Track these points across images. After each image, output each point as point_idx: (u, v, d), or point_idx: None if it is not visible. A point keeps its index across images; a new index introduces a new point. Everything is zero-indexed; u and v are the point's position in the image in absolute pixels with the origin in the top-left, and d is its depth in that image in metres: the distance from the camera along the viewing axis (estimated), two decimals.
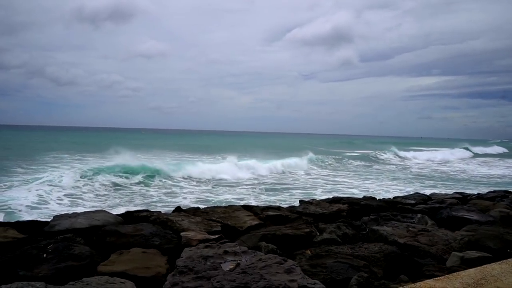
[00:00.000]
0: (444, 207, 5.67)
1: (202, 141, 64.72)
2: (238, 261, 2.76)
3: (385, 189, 15.74)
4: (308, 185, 16.42)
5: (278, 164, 21.81)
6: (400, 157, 36.80)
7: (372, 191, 14.48)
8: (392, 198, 7.23)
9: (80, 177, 14.42)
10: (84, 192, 12.93)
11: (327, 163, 27.29)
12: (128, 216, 4.45)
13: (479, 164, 33.06)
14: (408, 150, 43.18)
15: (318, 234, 4.05)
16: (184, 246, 3.28)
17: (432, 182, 18.97)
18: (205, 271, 2.58)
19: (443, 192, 9.08)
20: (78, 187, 13.46)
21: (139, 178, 15.66)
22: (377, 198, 6.91)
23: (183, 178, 16.53)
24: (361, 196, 7.37)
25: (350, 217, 5.09)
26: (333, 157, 30.31)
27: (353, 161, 29.95)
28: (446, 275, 2.53)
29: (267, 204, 8.28)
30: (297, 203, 6.40)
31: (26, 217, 8.64)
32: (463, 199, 6.92)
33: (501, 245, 3.75)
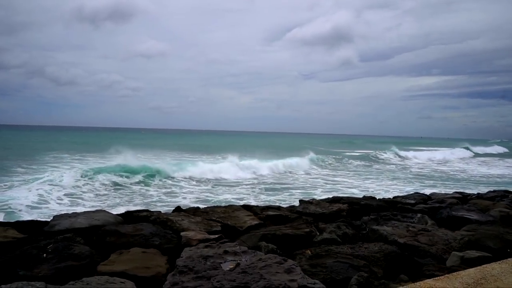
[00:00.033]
0: (444, 206, 5.67)
1: (201, 141, 64.72)
2: (238, 261, 2.76)
3: (385, 188, 15.74)
4: (308, 185, 16.42)
5: (278, 164, 21.78)
6: (400, 157, 36.78)
7: (372, 191, 14.48)
8: (392, 198, 7.23)
9: (80, 177, 14.42)
10: (84, 192, 12.93)
11: (327, 162, 27.29)
12: (128, 216, 4.45)
13: (478, 164, 33.07)
14: (408, 150, 43.19)
15: (318, 234, 4.05)
16: (184, 246, 3.28)
17: (432, 181, 18.98)
18: (205, 271, 2.58)
19: (443, 192, 9.08)
20: (78, 186, 13.47)
21: (139, 178, 15.67)
22: (377, 198, 6.90)
23: (183, 178, 16.54)
24: (361, 196, 7.37)
25: (350, 217, 5.08)
26: (333, 156, 30.32)
27: (353, 161, 29.96)
28: (446, 275, 2.53)
29: (267, 204, 8.28)
30: (297, 203, 6.40)
31: (26, 217, 8.64)
32: (463, 198, 6.92)
33: (501, 245, 3.75)
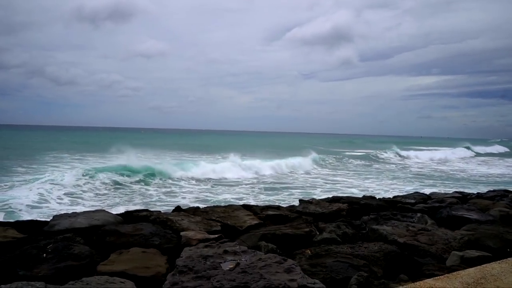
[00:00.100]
0: (444, 206, 5.67)
1: (201, 141, 64.71)
2: (238, 261, 2.75)
3: (385, 188, 15.74)
4: (308, 185, 16.42)
5: (280, 163, 21.72)
6: (401, 156, 36.73)
7: (372, 191, 14.48)
8: (392, 197, 7.23)
9: (81, 177, 14.42)
10: (84, 191, 12.93)
11: (327, 162, 27.29)
12: (128, 216, 4.45)
13: (478, 164, 33.07)
14: (408, 150, 43.18)
15: (318, 233, 4.05)
16: (184, 246, 3.28)
17: (431, 181, 18.98)
18: (205, 270, 2.58)
19: (442, 192, 9.08)
20: (78, 185, 13.48)
21: (138, 177, 15.66)
22: (377, 198, 6.91)
23: (183, 177, 16.53)
24: (360, 196, 7.37)
25: (350, 216, 5.09)
26: (333, 156, 30.31)
27: (353, 160, 29.96)
28: (446, 275, 2.53)
29: (267, 203, 8.28)
30: (296, 203, 6.40)
31: (26, 216, 8.64)
32: (463, 198, 6.92)
33: (501, 244, 3.75)
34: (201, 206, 5.50)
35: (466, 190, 9.95)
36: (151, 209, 5.27)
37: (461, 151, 45.87)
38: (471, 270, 2.62)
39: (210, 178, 16.91)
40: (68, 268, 2.78)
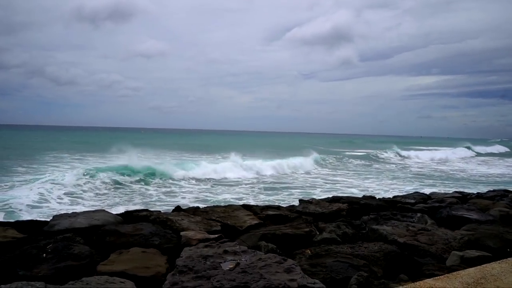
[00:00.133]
0: (443, 206, 5.67)
1: (201, 141, 64.70)
2: (238, 261, 2.75)
3: (385, 188, 15.74)
4: (307, 185, 16.42)
5: (281, 163, 21.68)
6: (403, 156, 36.68)
7: (372, 191, 14.48)
8: (391, 197, 7.23)
9: (81, 177, 14.42)
10: (84, 191, 12.94)
11: (327, 161, 27.29)
12: (128, 216, 4.45)
13: (478, 163, 33.07)
14: (408, 150, 43.15)
15: (317, 233, 4.05)
16: (183, 246, 3.28)
17: (431, 181, 18.98)
18: (205, 270, 2.58)
19: (442, 191, 9.08)
20: (79, 185, 13.49)
21: (138, 177, 15.67)
22: (377, 198, 6.91)
23: (182, 177, 16.53)
24: (360, 196, 7.37)
25: (350, 216, 5.09)
26: (334, 156, 30.31)
27: (353, 160, 29.97)
28: (446, 274, 2.53)
29: (266, 203, 8.28)
30: (296, 203, 6.40)
31: (26, 216, 8.65)
32: (462, 198, 6.92)
33: (501, 244, 3.75)
34: (201, 206, 5.50)
35: (466, 190, 9.94)
36: (151, 209, 5.27)
37: (461, 151, 45.81)
38: (471, 270, 2.62)
39: (210, 178, 16.91)
40: (68, 268, 2.77)
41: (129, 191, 13.66)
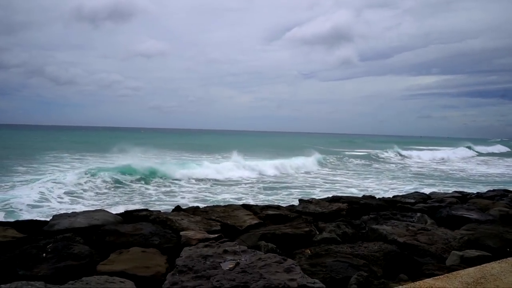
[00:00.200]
0: (443, 206, 5.67)
1: (201, 140, 64.69)
2: (238, 260, 2.75)
3: (384, 188, 15.73)
4: (307, 184, 16.42)
5: (281, 163, 21.62)
6: (404, 156, 36.59)
7: (371, 190, 14.48)
8: (391, 197, 7.24)
9: (82, 176, 14.44)
10: (85, 190, 12.95)
11: (328, 161, 27.29)
12: (128, 216, 4.45)
13: (477, 163, 33.06)
14: (408, 149, 43.11)
15: (317, 233, 4.05)
16: (183, 246, 3.28)
17: (431, 181, 18.98)
18: (205, 270, 2.58)
19: (442, 191, 9.08)
20: (79, 184, 13.50)
21: (138, 177, 15.66)
22: (377, 197, 6.91)
23: (182, 177, 16.52)
24: (360, 195, 7.37)
25: (349, 216, 5.09)
26: (334, 156, 30.30)
27: (353, 160, 29.97)
28: (446, 274, 2.53)
29: (266, 203, 8.27)
30: (295, 202, 6.40)
31: (26, 216, 8.65)
32: (462, 198, 6.92)
33: (500, 244, 3.75)
34: (201, 205, 5.50)
35: (466, 190, 9.94)
36: (151, 209, 5.27)
37: (462, 151, 45.73)
38: (471, 269, 2.62)
39: (210, 178, 16.90)
40: (67, 267, 2.77)
41: (128, 191, 13.67)
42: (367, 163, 29.10)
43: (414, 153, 39.18)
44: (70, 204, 11.01)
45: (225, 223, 4.27)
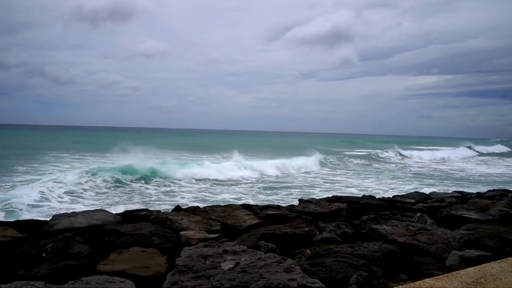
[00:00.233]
0: (443, 206, 5.68)
1: (201, 140, 64.67)
2: (238, 260, 2.75)
3: (384, 188, 15.73)
4: (307, 184, 16.42)
5: (282, 163, 21.59)
6: (403, 156, 36.56)
7: (371, 190, 14.47)
8: (391, 197, 7.24)
9: (81, 176, 14.45)
10: (85, 190, 12.96)
11: (328, 160, 27.29)
12: (128, 215, 4.45)
13: (477, 163, 33.05)
14: (408, 149, 43.06)
15: (317, 233, 4.05)
16: (183, 245, 3.28)
17: (431, 180, 18.98)
18: (205, 270, 2.58)
19: (442, 191, 9.08)
20: (80, 183, 13.52)
21: (138, 176, 15.66)
22: (377, 197, 6.91)
23: (182, 177, 16.52)
24: (360, 195, 7.37)
25: (349, 216, 5.09)
26: (334, 156, 30.29)
27: (353, 159, 29.97)
28: (446, 274, 2.53)
29: (265, 203, 8.28)
30: (295, 202, 6.40)
31: (27, 215, 8.65)
32: (462, 198, 6.92)
33: (500, 244, 3.75)
34: (200, 205, 5.50)
35: (466, 190, 9.94)
36: (151, 209, 5.27)
37: (463, 151, 45.65)
38: (471, 269, 2.62)
39: (210, 178, 16.90)
40: (67, 267, 2.77)
41: (128, 190, 13.67)
42: (367, 163, 29.10)
43: (414, 153, 39.14)
44: (70, 203, 11.01)
45: (225, 223, 4.27)
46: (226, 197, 12.82)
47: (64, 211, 5.51)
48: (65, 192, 12.11)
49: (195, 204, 7.10)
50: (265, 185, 15.64)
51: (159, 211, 4.87)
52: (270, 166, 20.50)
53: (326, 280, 2.73)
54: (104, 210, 4.70)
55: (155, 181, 15.44)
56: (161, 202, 11.63)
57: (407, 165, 29.47)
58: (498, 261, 2.86)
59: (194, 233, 3.61)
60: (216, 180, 16.70)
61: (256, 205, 5.52)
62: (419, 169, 25.72)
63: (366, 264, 3.04)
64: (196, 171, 17.46)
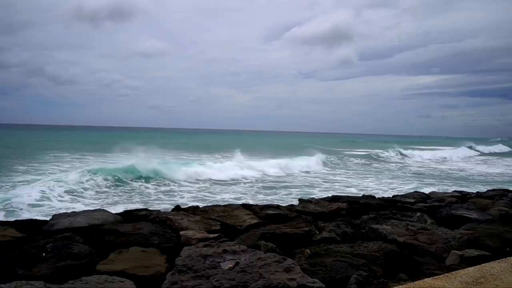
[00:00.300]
0: (443, 205, 5.68)
1: (201, 140, 64.66)
2: (237, 260, 2.75)
3: (384, 188, 15.73)
4: (306, 184, 16.41)
5: (282, 163, 21.54)
6: (404, 155, 36.49)
7: (371, 190, 14.47)
8: (391, 196, 7.24)
9: (82, 176, 14.45)
10: (85, 189, 12.96)
11: (329, 160, 27.28)
12: (128, 215, 4.45)
13: (477, 163, 33.04)
14: (408, 149, 42.99)
15: (317, 232, 4.05)
16: (183, 245, 3.28)
17: (431, 180, 18.97)
18: (204, 270, 2.58)
19: (442, 191, 9.08)
20: (80, 182, 13.53)
21: (138, 176, 15.66)
22: (376, 197, 6.91)
23: (181, 177, 16.51)
24: (360, 195, 7.37)
25: (349, 215, 5.09)
26: (335, 156, 30.27)
27: (353, 159, 29.96)
28: (446, 274, 2.52)
29: (265, 203, 8.27)
30: (295, 202, 6.40)
31: (27, 215, 8.65)
32: (462, 197, 6.92)
33: (500, 244, 3.76)
34: (200, 205, 5.49)
35: (466, 189, 9.94)
36: (150, 208, 5.27)
37: (464, 151, 45.53)
38: (471, 269, 2.62)
39: (209, 178, 16.89)
40: (67, 267, 2.77)
41: (128, 190, 13.67)
42: (367, 162, 29.09)
43: (416, 152, 39.07)
44: (70, 203, 11.01)
45: (225, 223, 4.27)
46: (225, 196, 12.82)
47: (64, 211, 5.51)
48: (65, 191, 12.12)
49: (195, 204, 7.09)
50: (265, 185, 15.63)
51: (159, 210, 4.87)
52: (270, 166, 20.48)
53: (326, 280, 2.73)
54: (104, 209, 4.70)
55: (155, 181, 15.44)
56: (160, 202, 11.62)
57: (407, 164, 29.46)
58: (498, 260, 2.86)
59: (194, 233, 3.61)
60: (216, 179, 16.69)
61: (256, 205, 5.52)
62: (419, 169, 25.71)
63: (366, 264, 3.04)
64: (195, 171, 17.46)
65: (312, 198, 6.49)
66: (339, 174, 21.04)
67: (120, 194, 12.95)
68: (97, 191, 13.02)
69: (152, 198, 12.30)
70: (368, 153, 35.22)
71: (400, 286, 2.37)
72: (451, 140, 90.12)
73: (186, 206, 5.36)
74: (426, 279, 2.43)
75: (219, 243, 3.15)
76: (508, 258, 2.92)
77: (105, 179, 14.55)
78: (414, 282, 2.40)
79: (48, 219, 4.13)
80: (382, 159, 32.89)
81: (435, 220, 4.91)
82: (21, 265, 2.74)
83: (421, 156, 36.72)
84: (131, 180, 15.01)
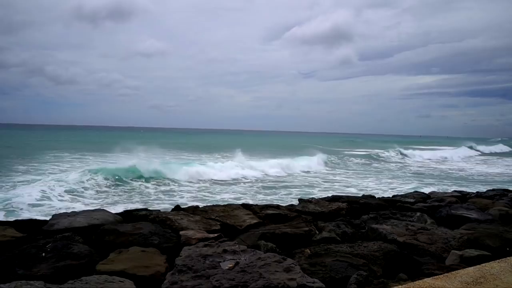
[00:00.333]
0: (443, 205, 5.68)
1: (201, 140, 64.66)
2: (237, 260, 2.75)
3: (384, 187, 15.73)
4: (306, 184, 16.41)
5: (283, 163, 21.51)
6: (404, 155, 36.46)
7: (371, 190, 14.47)
8: (391, 196, 7.24)
9: (83, 175, 14.46)
10: (85, 189, 12.96)
11: (329, 159, 27.27)
12: (127, 215, 4.45)
13: (477, 163, 33.04)
14: (408, 149, 42.96)
15: (317, 232, 4.04)
16: (183, 245, 3.28)
17: (431, 180, 18.97)
18: (204, 270, 2.58)
19: (442, 191, 9.08)
20: (81, 181, 13.53)
21: (138, 176, 15.66)
22: (376, 197, 6.91)
23: (181, 176, 16.51)
24: (360, 195, 7.37)
25: (349, 215, 5.09)
26: (335, 156, 30.26)
27: (353, 159, 29.96)
28: (445, 274, 2.52)
29: (265, 203, 8.27)
30: (294, 202, 6.40)
31: (27, 214, 8.65)
32: (462, 197, 6.93)
33: (500, 244, 3.76)
34: (200, 205, 5.49)
35: (466, 189, 9.94)
36: (150, 208, 5.27)
37: (464, 151, 45.48)
38: (471, 269, 2.62)
39: (209, 178, 16.89)
40: (67, 267, 2.77)
41: (128, 189, 13.67)
42: (367, 162, 29.08)
43: (416, 152, 39.05)
44: (70, 202, 11.01)
45: (225, 223, 4.27)
46: (225, 196, 12.81)
47: (64, 211, 5.51)
48: (65, 191, 12.12)
49: (195, 204, 7.09)
50: (265, 185, 15.63)
51: (159, 210, 4.87)
52: (270, 166, 20.47)
53: (326, 280, 2.73)
54: (103, 209, 4.70)
55: (155, 180, 15.44)
56: (160, 202, 11.62)
57: (407, 164, 29.46)
58: (497, 260, 2.86)
59: (193, 233, 3.61)
60: (216, 179, 16.69)
61: (256, 205, 5.52)
62: (418, 169, 25.71)
63: (365, 264, 3.04)
64: (195, 171, 17.46)
65: (312, 198, 6.49)
66: (339, 174, 21.04)
67: (120, 194, 12.95)
68: (97, 191, 13.03)
69: (152, 198, 12.30)
70: (368, 153, 35.21)
71: (400, 286, 2.37)
72: (451, 140, 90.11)
73: (186, 206, 5.35)
74: (426, 279, 2.43)
75: (219, 243, 3.15)
76: (508, 258, 2.92)
77: (105, 179, 14.56)
78: (414, 282, 2.40)
79: (48, 219, 4.13)
80: (382, 159, 32.88)
81: (435, 220, 4.91)
82: (21, 265, 2.74)
83: (421, 156, 36.69)
84: (131, 180, 15.02)
